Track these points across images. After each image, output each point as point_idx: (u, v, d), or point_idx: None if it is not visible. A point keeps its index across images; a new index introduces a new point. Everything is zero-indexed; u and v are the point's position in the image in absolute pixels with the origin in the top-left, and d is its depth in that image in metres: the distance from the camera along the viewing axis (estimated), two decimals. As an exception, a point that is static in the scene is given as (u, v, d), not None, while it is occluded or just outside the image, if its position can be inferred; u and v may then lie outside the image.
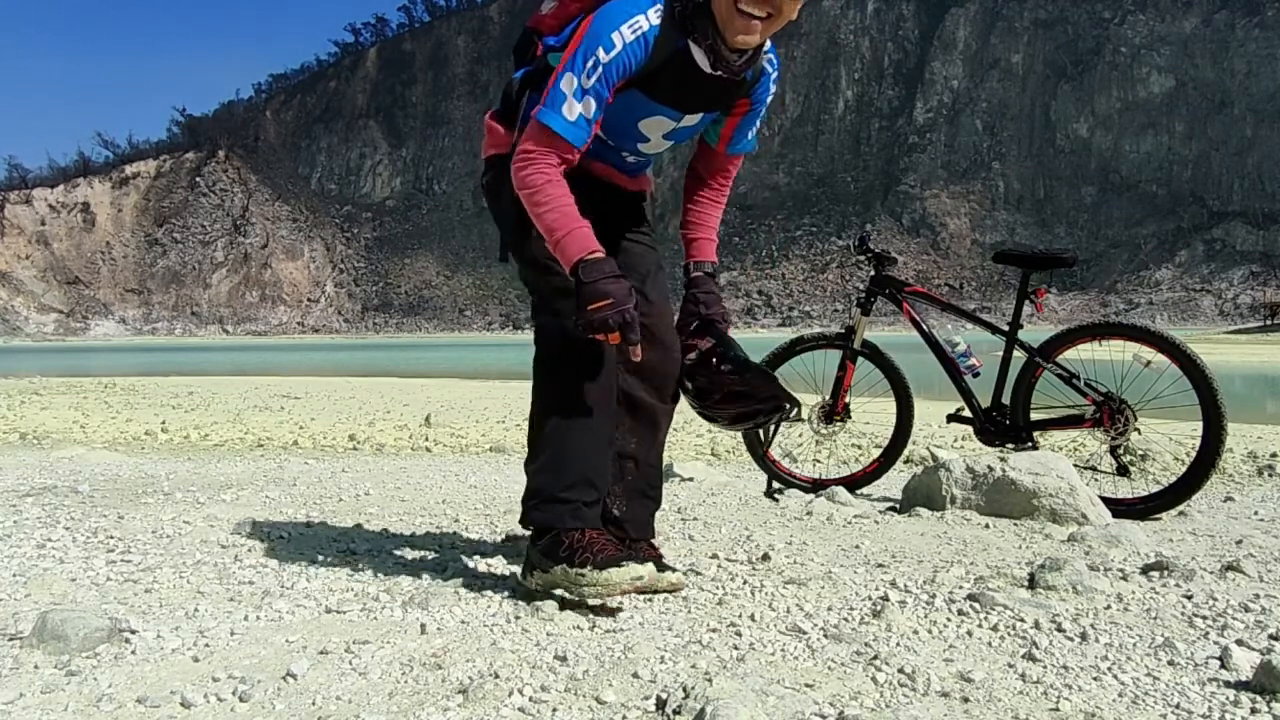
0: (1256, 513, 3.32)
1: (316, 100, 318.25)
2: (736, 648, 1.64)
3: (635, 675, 1.48)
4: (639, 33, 1.86)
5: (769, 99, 2.17)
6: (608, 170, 2.15)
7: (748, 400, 2.11)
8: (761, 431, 4.14)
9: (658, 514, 2.24)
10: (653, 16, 1.87)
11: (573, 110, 1.86)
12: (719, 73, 1.96)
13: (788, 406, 2.13)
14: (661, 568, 2.05)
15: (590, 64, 1.85)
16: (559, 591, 1.88)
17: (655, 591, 1.93)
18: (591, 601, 1.85)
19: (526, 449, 2.01)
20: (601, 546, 1.88)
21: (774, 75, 2.14)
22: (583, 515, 1.92)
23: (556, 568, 1.86)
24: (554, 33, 2.03)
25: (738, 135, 2.20)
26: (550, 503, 1.92)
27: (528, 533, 2.68)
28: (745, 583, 2.09)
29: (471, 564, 2.28)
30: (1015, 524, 2.90)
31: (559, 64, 1.91)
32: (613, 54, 1.85)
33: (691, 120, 2.07)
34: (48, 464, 4.57)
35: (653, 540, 2.19)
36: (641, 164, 2.22)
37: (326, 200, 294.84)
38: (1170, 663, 1.53)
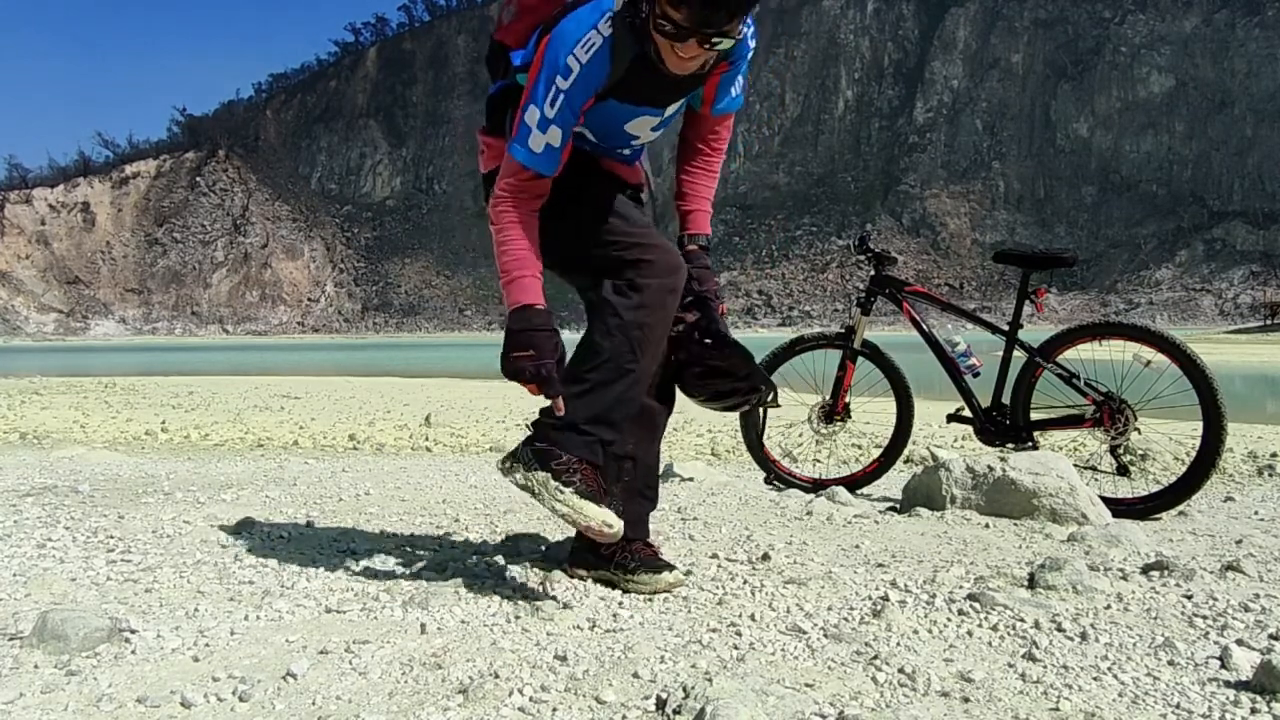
0: (1256, 512, 3.32)
1: (316, 100, 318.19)
2: (736, 647, 1.64)
3: (635, 675, 1.48)
4: (593, 50, 1.86)
5: (750, 54, 2.14)
6: (611, 165, 2.18)
7: (725, 378, 2.14)
8: (753, 419, 4.13)
9: (658, 514, 2.26)
10: (604, 28, 1.87)
11: (538, 142, 1.90)
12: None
13: (763, 389, 2.16)
14: (659, 566, 2.09)
15: (551, 94, 1.88)
16: (529, 496, 1.93)
17: (606, 540, 1.95)
18: (558, 511, 1.88)
19: (568, 368, 1.98)
20: (591, 480, 1.91)
21: (750, 31, 2.09)
22: (594, 451, 1.94)
23: (541, 473, 1.90)
24: (520, 46, 2.04)
25: (721, 94, 2.16)
26: (569, 429, 1.93)
27: (527, 532, 2.69)
28: (745, 582, 2.09)
29: (471, 564, 2.28)
30: (1015, 524, 2.90)
31: (524, 93, 1.93)
32: (571, 79, 1.87)
33: (674, 109, 2.09)
34: (48, 464, 4.57)
35: (648, 540, 2.20)
36: (636, 153, 2.25)
37: (326, 200, 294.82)
38: (1170, 662, 1.53)
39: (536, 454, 1.93)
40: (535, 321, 1.88)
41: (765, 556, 2.35)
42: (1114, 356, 3.35)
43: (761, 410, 3.75)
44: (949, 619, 1.79)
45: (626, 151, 2.18)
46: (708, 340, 2.13)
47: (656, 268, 1.97)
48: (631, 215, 2.09)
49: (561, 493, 1.87)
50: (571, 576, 2.12)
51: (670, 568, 2.10)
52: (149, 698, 1.38)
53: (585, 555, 2.15)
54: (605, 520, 1.87)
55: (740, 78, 2.16)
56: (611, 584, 2.08)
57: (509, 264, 1.93)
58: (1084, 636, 1.67)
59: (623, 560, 2.09)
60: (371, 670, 1.50)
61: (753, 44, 2.15)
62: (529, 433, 2.01)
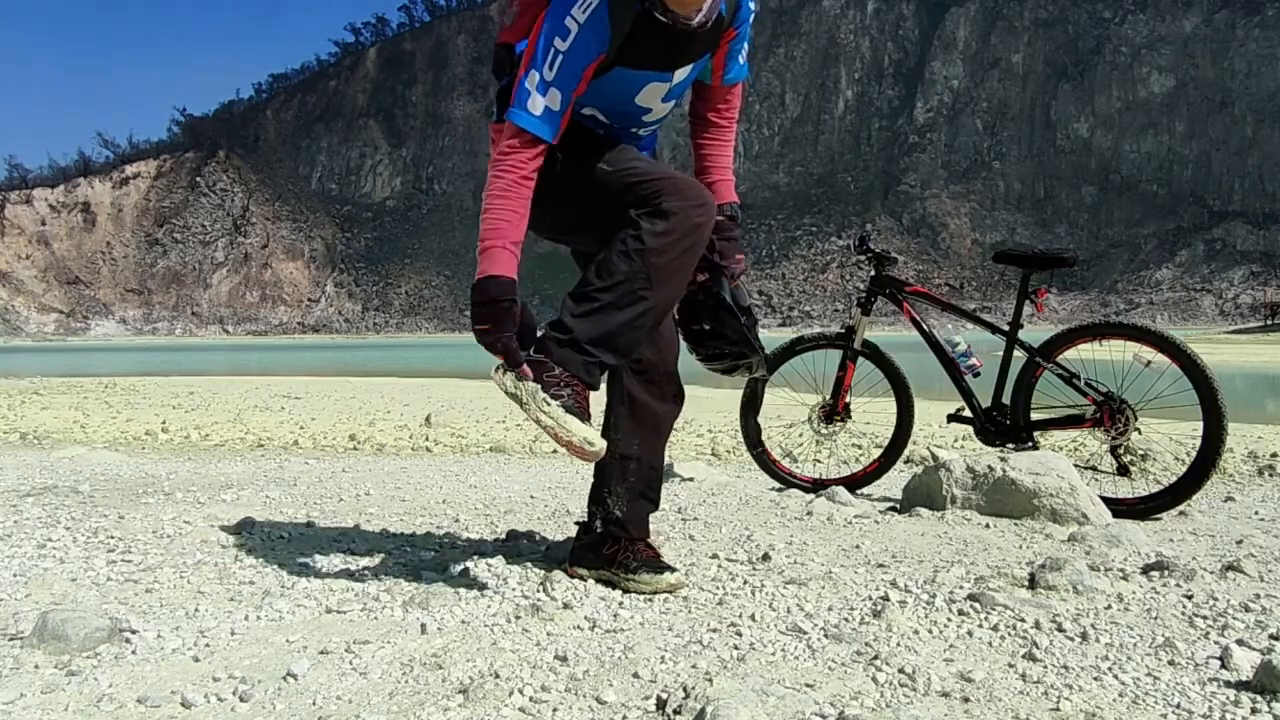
0: (1257, 513, 3.32)
1: (316, 100, 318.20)
2: (736, 648, 1.64)
3: (635, 675, 1.48)
4: (590, 9, 1.84)
5: (751, 17, 2.13)
6: None
7: (717, 341, 2.13)
8: (751, 418, 4.13)
9: (658, 514, 2.26)
10: None
11: (537, 105, 1.87)
12: (686, 26, 1.93)
13: (749, 356, 2.14)
14: (660, 568, 2.07)
15: (550, 56, 1.86)
16: (515, 404, 1.88)
17: (588, 459, 1.89)
18: (542, 423, 1.82)
19: (579, 286, 1.95)
20: (582, 399, 1.87)
21: None
22: (591, 372, 1.90)
23: (531, 383, 1.84)
24: (523, 38, 2.03)
25: (730, 63, 2.16)
26: (570, 346, 1.88)
27: (528, 532, 2.69)
28: (745, 583, 2.09)
29: (471, 564, 2.28)
30: (1015, 524, 2.90)
31: (523, 60, 1.91)
32: (570, 40, 1.85)
33: (683, 74, 2.06)
34: (48, 464, 4.57)
35: (649, 541, 2.19)
36: (652, 137, 2.23)
37: (326, 200, 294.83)
38: (1171, 663, 1.53)
39: (537, 365, 1.87)
40: (494, 293, 1.83)
41: (765, 556, 2.35)
42: (1114, 356, 3.35)
43: (759, 390, 3.92)
44: (949, 619, 1.79)
45: (642, 133, 2.16)
46: (704, 298, 2.13)
47: (685, 196, 1.91)
48: (653, 162, 2.04)
49: (548, 404, 1.81)
50: (572, 576, 2.11)
51: (671, 569, 2.08)
52: (149, 698, 1.38)
53: (586, 555, 2.13)
54: (587, 438, 1.81)
55: (746, 44, 2.16)
56: (612, 584, 2.06)
57: (485, 232, 1.90)
58: (1084, 636, 1.67)
59: (624, 560, 2.07)
60: (372, 670, 1.50)
61: (754, 6, 2.14)
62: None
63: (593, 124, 2.07)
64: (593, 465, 2.16)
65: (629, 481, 2.12)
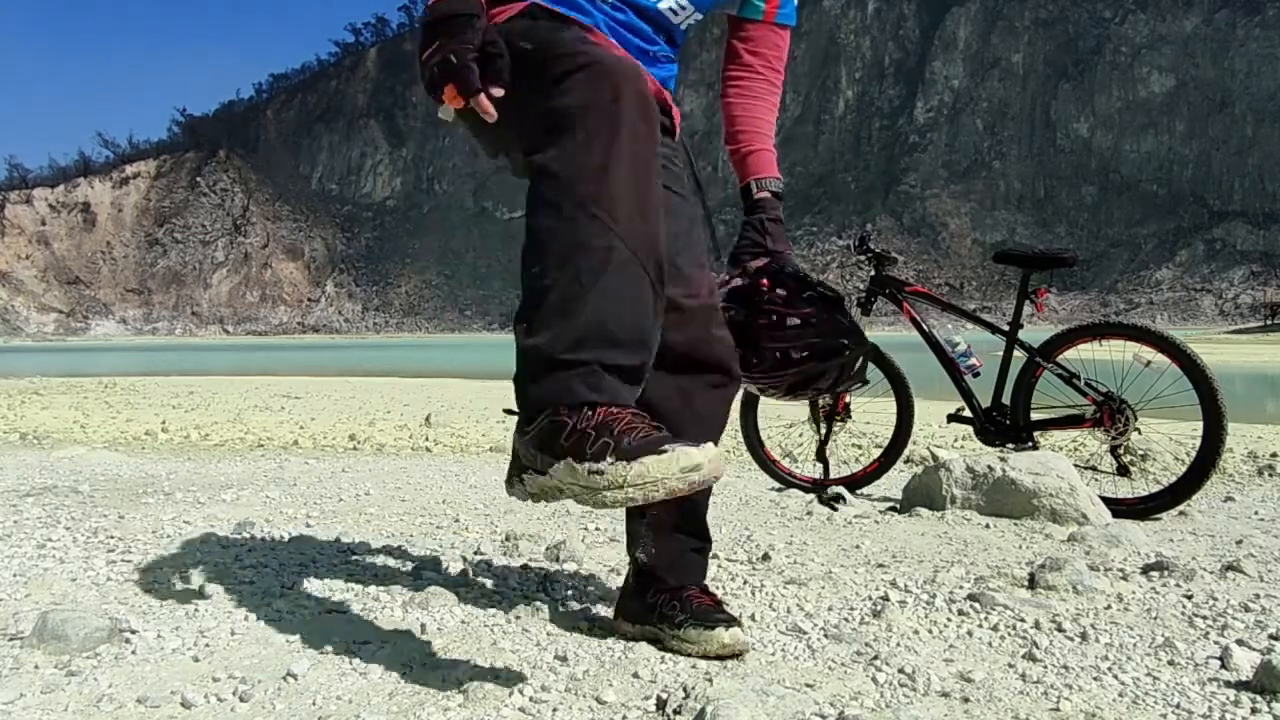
0: (1256, 513, 3.32)
1: (317, 100, 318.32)
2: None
3: (635, 675, 1.48)
4: None
5: None
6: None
7: (803, 333, 1.63)
8: (753, 419, 3.37)
9: None
10: None
11: None
12: None
13: (854, 345, 1.65)
14: (712, 620, 1.59)
15: None
16: (566, 499, 1.22)
17: (710, 482, 1.17)
18: (609, 500, 1.15)
19: (522, 291, 1.31)
20: (628, 424, 1.17)
21: None
22: (602, 383, 1.22)
23: (558, 465, 1.18)
24: None
25: None
26: (548, 369, 1.23)
27: (528, 532, 2.69)
28: (745, 583, 2.09)
29: (471, 564, 2.28)
30: (1015, 524, 2.90)
31: None
32: None
33: None
34: (48, 464, 4.57)
35: (704, 585, 1.70)
36: (669, 70, 1.69)
37: (326, 200, 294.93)
38: (1170, 663, 1.53)
39: (536, 443, 1.22)
40: (442, 9, 1.33)
41: (765, 556, 2.35)
42: (1114, 356, 3.35)
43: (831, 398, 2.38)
44: (949, 619, 1.79)
45: (654, 50, 1.64)
46: (780, 291, 1.65)
47: (592, 70, 1.28)
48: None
49: (601, 472, 1.13)
50: (618, 634, 1.69)
51: (729, 622, 1.57)
52: (149, 698, 1.38)
53: (628, 605, 1.71)
54: (682, 465, 1.13)
55: None
56: (658, 641, 1.62)
57: None
58: (1084, 636, 1.67)
59: (668, 612, 1.62)
60: (371, 670, 1.50)
61: None
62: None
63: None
64: None
65: (651, 513, 1.63)
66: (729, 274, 1.78)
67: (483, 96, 1.30)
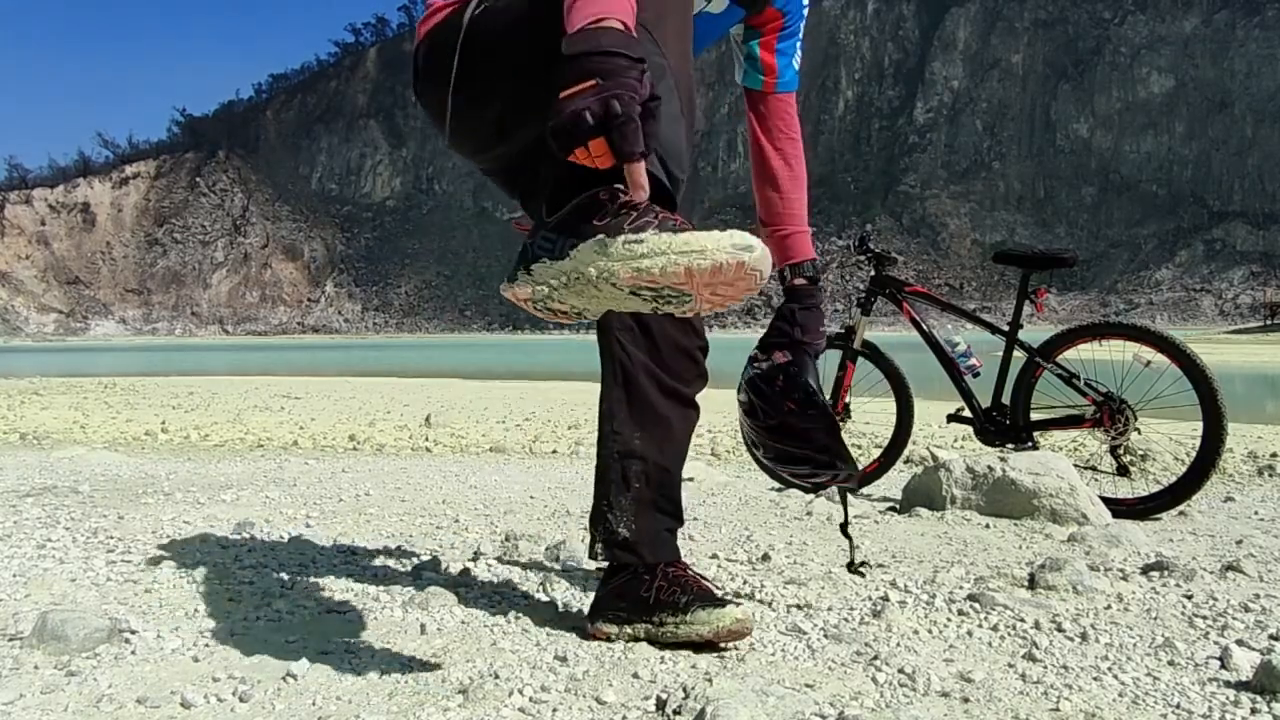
0: (1256, 513, 3.32)
1: (317, 100, 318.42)
2: (736, 648, 1.64)
3: (635, 675, 1.48)
4: None
5: (803, 23, 1.87)
6: None
7: (799, 441, 1.78)
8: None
9: None
10: None
11: None
12: None
13: (840, 468, 1.77)
14: (719, 599, 1.66)
15: None
16: (571, 293, 1.15)
17: (759, 281, 1.10)
18: (654, 269, 1.08)
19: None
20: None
21: None
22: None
23: (584, 244, 1.12)
24: None
25: (781, 63, 1.89)
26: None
27: (528, 532, 2.69)
28: (745, 583, 2.09)
29: (471, 564, 2.28)
30: (1015, 524, 2.90)
31: None
32: None
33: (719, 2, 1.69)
34: (48, 464, 4.57)
35: (684, 563, 1.75)
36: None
37: (326, 200, 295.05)
38: (1170, 663, 1.53)
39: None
40: (605, 42, 1.08)
41: (765, 557, 2.35)
42: (1114, 356, 3.35)
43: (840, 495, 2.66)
44: (949, 619, 1.79)
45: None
46: (795, 394, 1.76)
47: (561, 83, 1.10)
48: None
49: (637, 241, 1.07)
50: (596, 638, 1.63)
51: (731, 601, 1.62)
52: (149, 698, 1.38)
53: (611, 604, 1.64)
54: (735, 241, 1.05)
55: (799, 50, 1.93)
56: (655, 640, 1.58)
57: None
58: (1084, 637, 1.67)
59: (668, 598, 1.58)
60: (371, 670, 1.50)
61: (805, 9, 1.90)
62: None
63: None
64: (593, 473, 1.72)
65: (633, 488, 1.66)
66: (756, 355, 1.86)
67: (643, 164, 1.08)
